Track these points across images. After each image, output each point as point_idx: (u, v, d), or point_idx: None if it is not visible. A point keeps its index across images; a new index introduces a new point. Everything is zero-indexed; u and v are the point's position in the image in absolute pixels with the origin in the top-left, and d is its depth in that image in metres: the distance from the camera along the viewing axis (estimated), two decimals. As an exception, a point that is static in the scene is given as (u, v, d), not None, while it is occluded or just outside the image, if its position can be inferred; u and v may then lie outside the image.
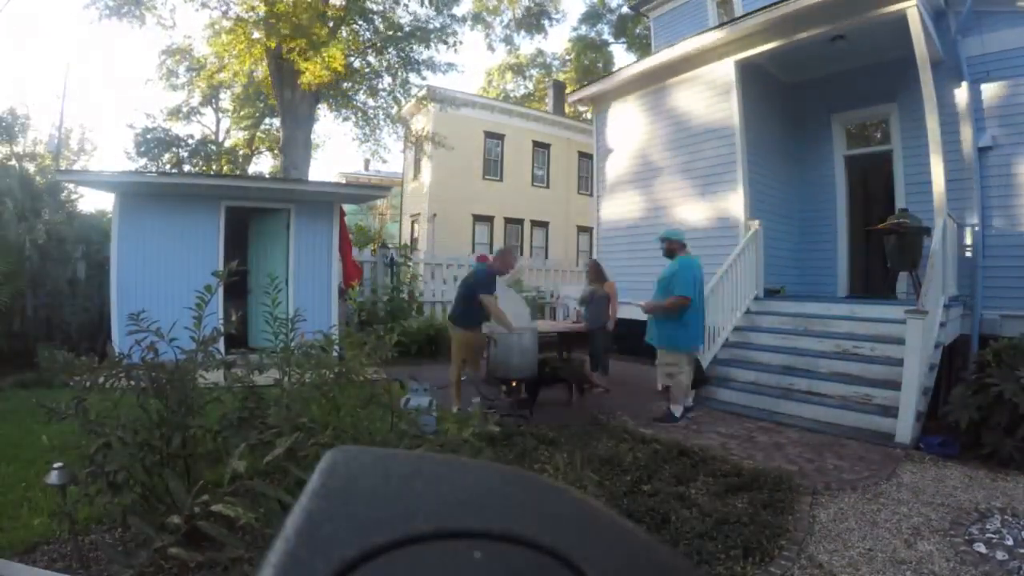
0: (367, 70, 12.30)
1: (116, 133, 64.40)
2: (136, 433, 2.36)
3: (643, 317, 5.89)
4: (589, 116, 14.15)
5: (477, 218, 18.55)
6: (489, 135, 18.89)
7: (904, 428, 4.50)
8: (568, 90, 20.24)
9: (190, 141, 21.18)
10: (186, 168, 20.65)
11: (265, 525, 1.94)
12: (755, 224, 7.12)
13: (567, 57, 28.26)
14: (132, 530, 2.11)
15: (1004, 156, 6.40)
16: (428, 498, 0.26)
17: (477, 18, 14.34)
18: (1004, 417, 4.04)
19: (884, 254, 7.00)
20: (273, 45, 10.36)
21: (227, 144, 22.13)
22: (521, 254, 18.12)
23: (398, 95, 13.00)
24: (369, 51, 12.38)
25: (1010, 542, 2.84)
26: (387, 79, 12.67)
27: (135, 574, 2.08)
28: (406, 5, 12.89)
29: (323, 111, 12.98)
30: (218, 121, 22.07)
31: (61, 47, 51.74)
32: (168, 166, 20.51)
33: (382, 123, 13.16)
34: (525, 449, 4.03)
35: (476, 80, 51.59)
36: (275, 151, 20.16)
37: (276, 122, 18.44)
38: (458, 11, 15.26)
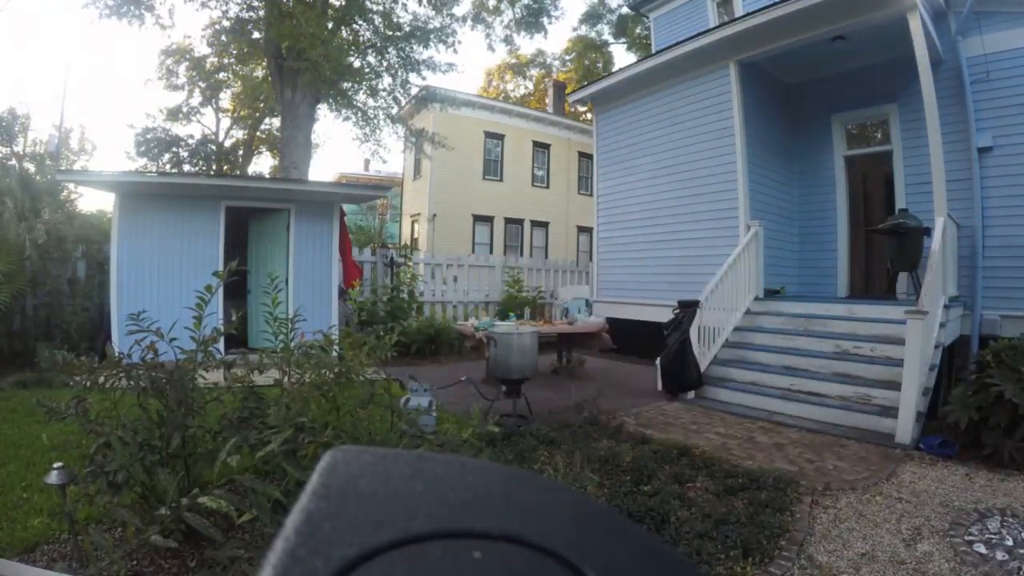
0: (367, 70, 12.28)
1: (116, 133, 64.39)
2: (136, 433, 2.36)
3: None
4: (589, 116, 14.17)
5: (477, 218, 18.56)
6: (489, 135, 18.90)
7: (904, 428, 4.50)
8: (568, 90, 20.26)
9: (190, 141, 21.20)
10: (186, 168, 20.68)
11: (255, 521, 1.95)
12: (755, 224, 7.13)
13: (567, 57, 28.28)
14: (130, 527, 2.11)
15: (1004, 156, 6.41)
16: (428, 498, 0.26)
17: (477, 18, 14.30)
18: (1004, 417, 4.04)
19: (885, 254, 7.01)
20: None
21: (227, 144, 22.13)
22: (521, 254, 18.15)
23: (398, 95, 12.99)
24: (369, 51, 12.37)
25: (1010, 542, 2.84)
26: (387, 79, 12.66)
27: (132, 573, 2.09)
28: (405, 5, 12.86)
29: (323, 111, 12.97)
30: (218, 121, 22.09)
31: (61, 47, 51.76)
32: (168, 166, 20.54)
33: (382, 123, 13.13)
34: (525, 449, 4.03)
35: (476, 80, 51.62)
36: (275, 151, 20.17)
37: (276, 122, 18.44)
38: (458, 11, 15.28)
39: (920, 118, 6.28)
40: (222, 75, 19.15)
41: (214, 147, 21.73)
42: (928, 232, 6.00)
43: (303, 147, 11.69)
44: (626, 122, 9.50)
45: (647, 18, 12.29)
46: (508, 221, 19.21)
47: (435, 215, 17.48)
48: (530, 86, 30.93)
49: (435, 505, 0.25)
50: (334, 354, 3.12)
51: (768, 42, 7.09)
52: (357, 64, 11.99)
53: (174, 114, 20.28)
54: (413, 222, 20.02)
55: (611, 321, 8.35)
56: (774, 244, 7.81)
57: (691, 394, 6.08)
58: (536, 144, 19.99)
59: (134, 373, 2.46)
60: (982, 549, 2.76)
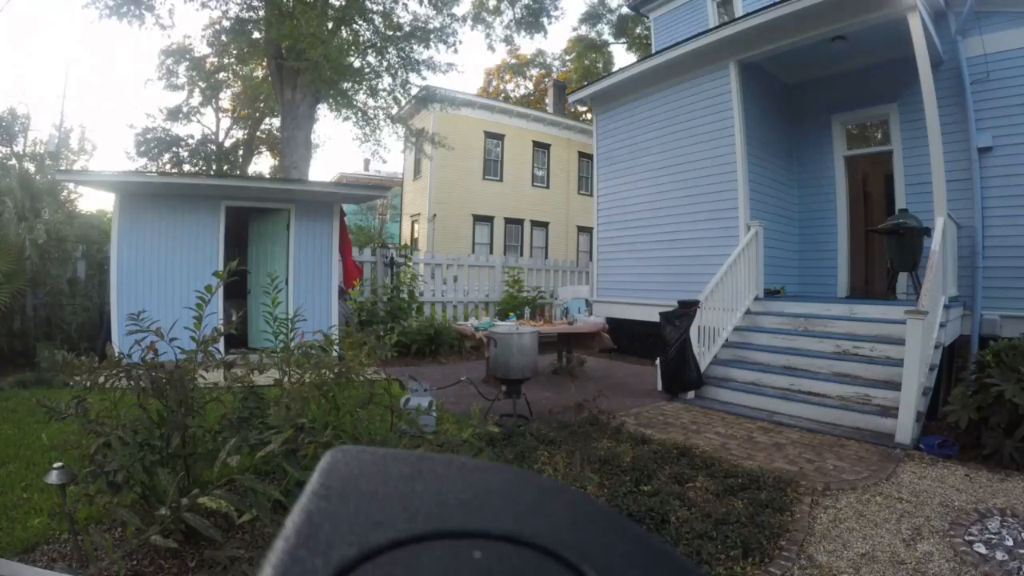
0: (367, 70, 12.28)
1: (116, 133, 64.40)
2: (136, 433, 2.36)
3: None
4: (589, 116, 14.17)
5: (477, 218, 18.56)
6: (489, 135, 18.90)
7: (904, 428, 4.50)
8: (568, 90, 20.26)
9: (190, 141, 21.20)
10: (186, 168, 20.68)
11: (255, 521, 1.94)
12: (755, 224, 7.13)
13: (567, 57, 28.29)
14: (130, 527, 2.11)
15: (1004, 156, 6.41)
16: (428, 498, 0.26)
17: (477, 18, 14.30)
18: (1004, 417, 4.04)
19: (885, 254, 7.01)
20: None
21: (227, 144, 22.14)
22: (521, 254, 18.15)
23: (398, 95, 12.99)
24: (369, 51, 12.37)
25: (1010, 542, 2.84)
26: (387, 79, 12.66)
27: (132, 573, 2.09)
28: (405, 5, 12.85)
29: (323, 111, 12.97)
30: (218, 121, 22.09)
31: (61, 47, 51.77)
32: (168, 166, 20.55)
33: (382, 123, 13.15)
34: (525, 449, 4.03)
35: (476, 80, 51.64)
36: (275, 151, 20.17)
37: (276, 122, 18.45)
38: (458, 11, 15.29)
39: (920, 118, 6.28)
40: (222, 75, 19.15)
41: (214, 147, 21.74)
42: (928, 232, 6.00)
43: (303, 147, 11.69)
44: (626, 122, 9.50)
45: (647, 18, 12.29)
46: (508, 221, 19.21)
47: (435, 215, 17.48)
48: (530, 86, 30.94)
49: (435, 505, 0.25)
50: (334, 354, 3.12)
51: (768, 42, 7.09)
52: (357, 64, 11.99)
53: (174, 114, 20.28)
54: (413, 222, 20.02)
55: (611, 321, 8.35)
56: (774, 244, 7.81)
57: (691, 394, 6.08)
58: (536, 144, 20.00)
59: (134, 373, 2.46)
60: (982, 549, 2.76)
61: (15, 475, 3.31)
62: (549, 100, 22.85)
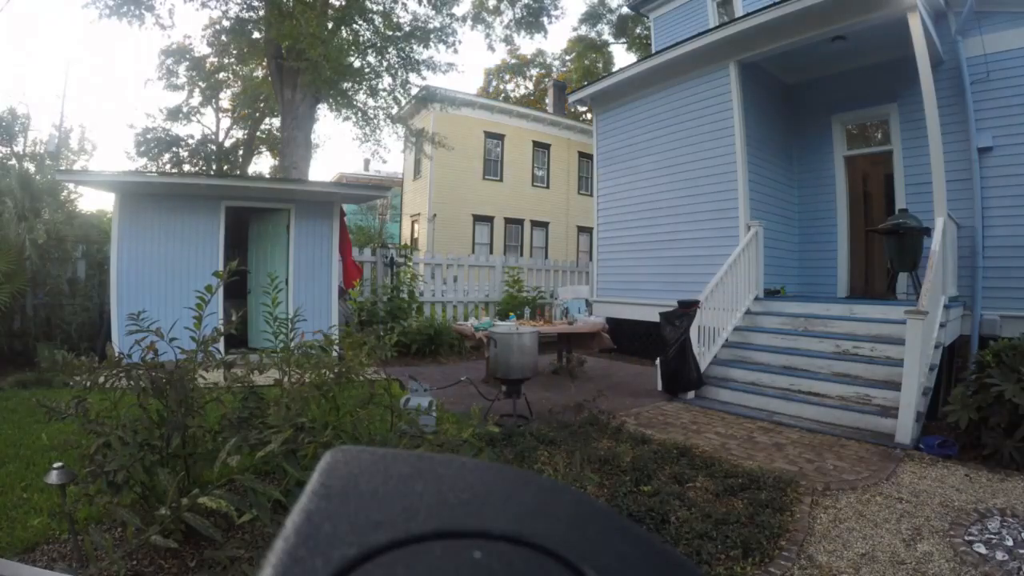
0: (367, 70, 12.28)
1: (116, 133, 64.40)
2: (136, 433, 2.36)
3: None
4: (589, 116, 14.17)
5: (477, 218, 18.56)
6: (489, 135, 18.90)
7: (904, 428, 4.50)
8: (568, 90, 20.25)
9: (190, 141, 21.21)
10: (186, 168, 20.69)
11: (255, 521, 1.94)
12: (755, 224, 7.13)
13: (567, 57, 28.29)
14: (130, 527, 2.11)
15: (1004, 156, 6.41)
16: (428, 498, 0.26)
17: (477, 18, 14.30)
18: (1004, 417, 4.04)
19: (885, 254, 7.01)
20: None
21: (227, 144, 22.13)
22: (521, 254, 18.17)
23: (398, 95, 12.99)
24: (369, 51, 12.37)
25: (1010, 543, 2.84)
26: (387, 79, 12.67)
27: (132, 573, 2.09)
28: (405, 5, 12.85)
29: (323, 111, 12.97)
30: (218, 121, 22.08)
31: (61, 47, 51.77)
32: (168, 166, 20.55)
33: (382, 123, 13.15)
34: (525, 449, 4.03)
35: (476, 80, 51.66)
36: (275, 151, 20.17)
37: (276, 122, 18.45)
38: (458, 11, 15.30)
39: (920, 118, 6.28)
40: (222, 75, 19.16)
41: (214, 147, 21.74)
42: (928, 232, 6.00)
43: (303, 147, 11.69)
44: (626, 122, 9.50)
45: (647, 18, 12.29)
46: (508, 221, 19.21)
47: (435, 215, 17.48)
48: (530, 86, 30.94)
49: (435, 505, 0.25)
50: (334, 354, 3.12)
51: (768, 42, 7.09)
52: (357, 64, 11.99)
53: (174, 114, 20.27)
54: (413, 222, 20.02)
55: (611, 321, 8.35)
56: (774, 244, 7.81)
57: (691, 394, 6.08)
58: (536, 144, 19.99)
59: (134, 373, 2.46)
60: (982, 549, 2.76)
61: (15, 475, 3.31)
62: (549, 100, 22.85)
